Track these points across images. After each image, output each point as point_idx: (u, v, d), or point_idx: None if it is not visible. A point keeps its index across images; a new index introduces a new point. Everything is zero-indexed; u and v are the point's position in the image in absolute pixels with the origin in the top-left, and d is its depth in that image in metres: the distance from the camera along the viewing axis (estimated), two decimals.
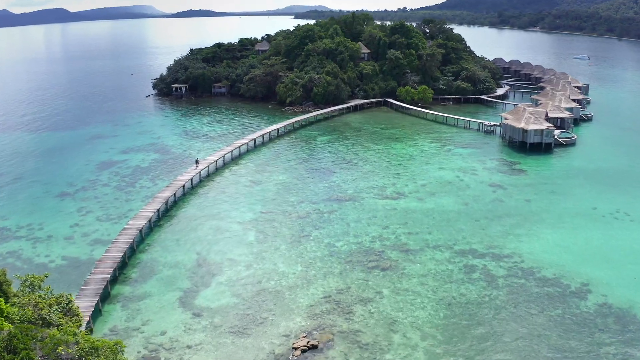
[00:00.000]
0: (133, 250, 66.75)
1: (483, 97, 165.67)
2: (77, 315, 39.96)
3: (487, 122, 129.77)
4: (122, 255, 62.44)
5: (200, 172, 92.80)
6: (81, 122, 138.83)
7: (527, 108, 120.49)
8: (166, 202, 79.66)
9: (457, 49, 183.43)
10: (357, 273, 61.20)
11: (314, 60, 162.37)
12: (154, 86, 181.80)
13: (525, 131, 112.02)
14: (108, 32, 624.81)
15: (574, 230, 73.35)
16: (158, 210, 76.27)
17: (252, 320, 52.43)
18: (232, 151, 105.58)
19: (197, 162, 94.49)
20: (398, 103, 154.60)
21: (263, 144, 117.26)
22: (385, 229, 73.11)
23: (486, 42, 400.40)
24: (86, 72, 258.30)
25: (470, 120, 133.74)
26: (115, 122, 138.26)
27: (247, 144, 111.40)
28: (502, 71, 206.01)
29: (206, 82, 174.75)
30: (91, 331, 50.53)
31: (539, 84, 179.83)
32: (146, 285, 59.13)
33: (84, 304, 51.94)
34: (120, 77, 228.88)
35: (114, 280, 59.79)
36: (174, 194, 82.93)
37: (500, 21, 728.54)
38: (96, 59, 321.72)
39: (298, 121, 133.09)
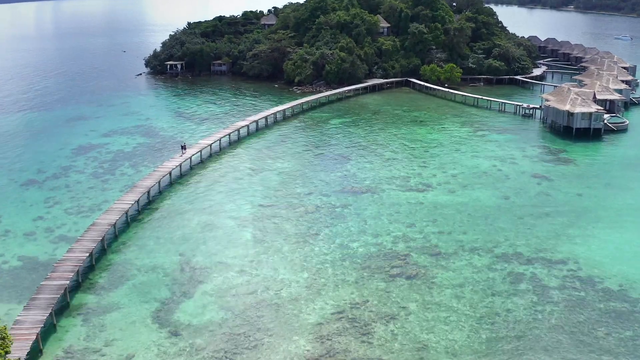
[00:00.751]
0: (103, 250, 58.99)
1: (518, 77, 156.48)
2: (3, 338, 31.92)
3: (525, 105, 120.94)
4: (88, 257, 54.63)
5: (191, 158, 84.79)
6: (62, 103, 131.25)
7: (572, 88, 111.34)
8: (148, 193, 71.78)
9: (489, 24, 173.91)
10: (377, 282, 53.00)
11: (326, 34, 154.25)
12: (147, 64, 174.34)
13: (570, 114, 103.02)
14: (103, 8, 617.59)
15: (638, 231, 64.72)
16: (137, 202, 68.40)
17: (244, 342, 44.36)
18: (229, 134, 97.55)
19: (183, 147, 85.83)
20: (422, 83, 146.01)
21: (267, 126, 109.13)
22: (411, 227, 64.83)
23: (517, 22, 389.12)
24: (77, 49, 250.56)
25: (505, 103, 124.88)
26: (100, 102, 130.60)
27: (247, 126, 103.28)
28: (538, 50, 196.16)
29: (205, 59, 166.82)
30: (40, 352, 42.75)
31: (581, 64, 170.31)
32: (115, 295, 51.27)
33: (33, 318, 44.18)
34: (111, 55, 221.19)
35: (76, 287, 52.07)
36: (159, 183, 75.05)
37: (530, 0, 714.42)
38: (88, 37, 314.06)
39: (308, 102, 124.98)
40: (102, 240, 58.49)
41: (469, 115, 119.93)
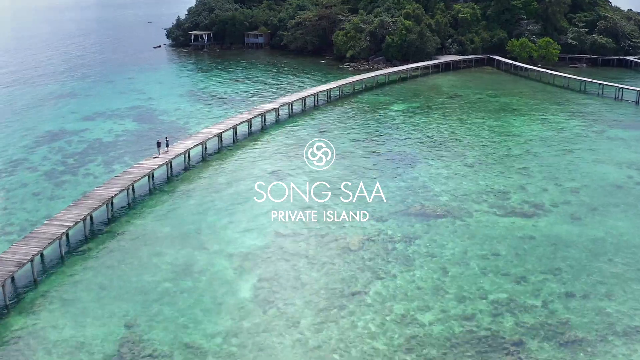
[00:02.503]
0: (5, 308, 37.57)
1: (630, 58, 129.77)
2: None
3: None
4: None
5: (188, 153, 63.09)
6: (56, 78, 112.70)
7: None
8: (109, 204, 50.09)
9: None
10: None
11: None
12: (168, 34, 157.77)
13: None
14: None
15: None
16: (85, 220, 46.75)
17: None
18: (249, 121, 75.46)
19: (159, 144, 61.27)
20: (509, 61, 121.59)
21: (304, 112, 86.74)
22: (520, 283, 41.32)
23: None
24: (100, 21, 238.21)
25: (624, 88, 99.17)
26: (99, 77, 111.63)
27: (276, 110, 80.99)
28: None
29: (237, 28, 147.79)
30: None
31: None
32: None
33: None
34: (135, 27, 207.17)
35: None
36: (129, 190, 53.41)
37: None
38: (116, 7, 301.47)
39: (361, 81, 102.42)
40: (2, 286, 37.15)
41: (575, 103, 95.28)
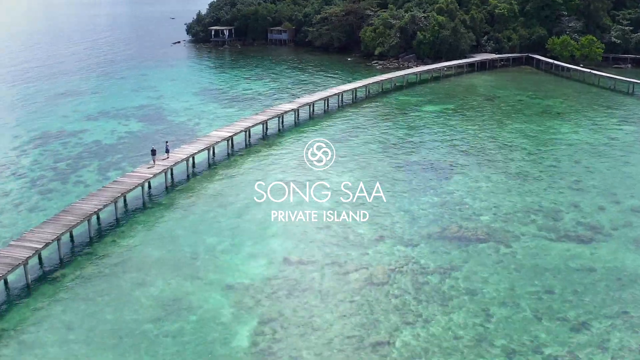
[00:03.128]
0: None
1: None
2: None
3: None
4: None
5: (192, 159, 55.87)
6: (65, 74, 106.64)
7: None
8: (90, 221, 42.85)
9: None
10: None
11: None
12: (188, 30, 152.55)
13: None
14: None
15: None
16: (58, 242, 39.53)
17: None
18: (265, 122, 68.05)
19: (153, 152, 53.25)
20: (550, 61, 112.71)
21: (326, 112, 79.25)
22: (582, 331, 33.25)
23: None
24: (124, 16, 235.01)
25: None
26: (110, 74, 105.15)
27: (295, 111, 73.41)
28: None
29: (260, 24, 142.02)
30: None
31: None
32: None
33: None
34: (157, 23, 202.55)
35: None
36: (125, 199, 46.36)
37: None
38: (142, 4, 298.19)
39: (390, 80, 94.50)
40: None
41: (625, 106, 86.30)
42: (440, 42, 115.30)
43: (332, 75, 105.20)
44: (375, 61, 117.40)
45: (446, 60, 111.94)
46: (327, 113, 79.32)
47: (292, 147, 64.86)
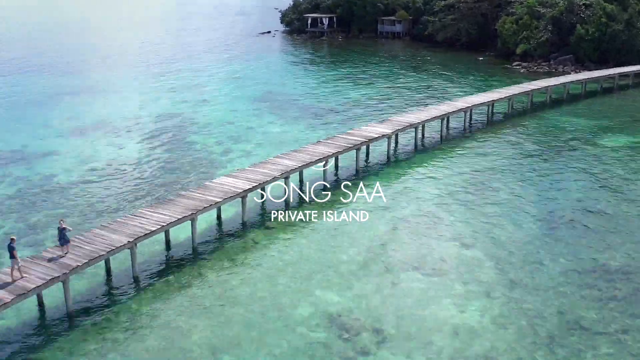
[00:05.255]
0: None
1: None
2: None
3: None
4: None
5: (244, 201, 29.36)
6: (92, 70, 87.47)
7: None
8: None
9: None
10: None
11: None
12: (282, 18, 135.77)
13: None
14: None
15: None
16: None
17: None
18: (336, 156, 40.74)
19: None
20: None
21: (445, 139, 51.19)
22: None
23: None
24: (224, 5, 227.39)
25: None
26: (152, 71, 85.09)
27: (389, 138, 45.44)
28: None
29: (368, 12, 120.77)
30: None
31: None
32: None
33: None
34: (259, 13, 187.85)
35: None
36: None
37: None
38: None
39: (539, 90, 65.60)
40: None
41: None
42: (608, 39, 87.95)
43: (457, 80, 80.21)
44: (516, 62, 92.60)
45: (615, 64, 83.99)
46: (446, 138, 51.46)
47: (393, 188, 36.98)
